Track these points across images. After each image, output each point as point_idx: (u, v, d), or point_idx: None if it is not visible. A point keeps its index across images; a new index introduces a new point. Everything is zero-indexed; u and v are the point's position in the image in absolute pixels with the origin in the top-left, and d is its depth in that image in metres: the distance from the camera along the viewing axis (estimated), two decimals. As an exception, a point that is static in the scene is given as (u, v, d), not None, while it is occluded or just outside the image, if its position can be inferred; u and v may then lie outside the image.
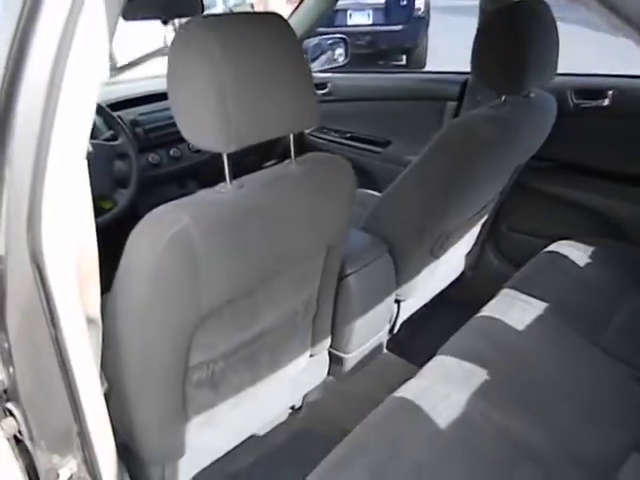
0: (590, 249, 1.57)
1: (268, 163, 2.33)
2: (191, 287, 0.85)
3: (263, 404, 1.24)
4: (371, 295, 1.39)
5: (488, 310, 1.34)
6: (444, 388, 1.08)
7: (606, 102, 1.63)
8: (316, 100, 0.93)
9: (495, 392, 1.08)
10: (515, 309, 1.33)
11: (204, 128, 0.82)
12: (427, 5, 6.47)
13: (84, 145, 0.71)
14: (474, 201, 1.47)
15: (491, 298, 1.51)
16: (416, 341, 1.72)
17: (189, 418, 1.05)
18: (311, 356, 1.32)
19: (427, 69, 2.18)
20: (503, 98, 1.33)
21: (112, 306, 0.91)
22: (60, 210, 0.71)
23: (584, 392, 1.12)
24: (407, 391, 1.08)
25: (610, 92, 1.62)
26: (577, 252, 1.56)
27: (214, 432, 1.14)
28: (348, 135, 2.22)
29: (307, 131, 2.30)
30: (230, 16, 0.86)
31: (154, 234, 0.82)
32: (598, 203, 1.69)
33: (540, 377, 1.14)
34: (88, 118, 0.70)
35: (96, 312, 0.84)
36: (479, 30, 1.29)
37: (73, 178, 0.71)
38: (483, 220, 1.71)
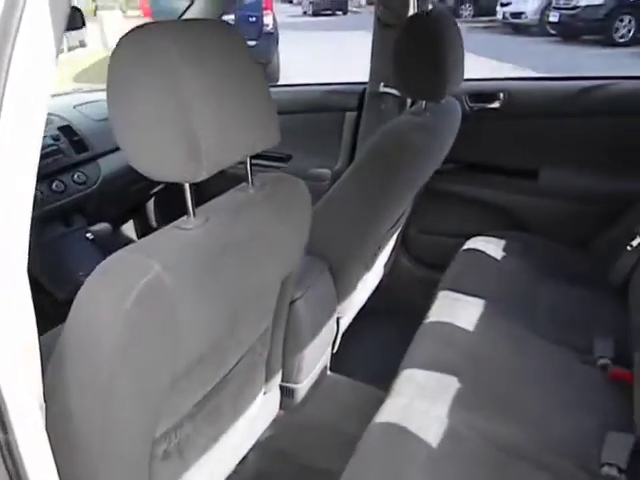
0: (501, 242, 1.66)
1: (156, 189, 2.16)
2: (167, 345, 0.72)
3: (226, 457, 1.11)
4: (318, 318, 1.32)
5: (434, 315, 1.34)
6: (422, 404, 1.06)
7: (497, 104, 1.74)
8: (276, 117, 0.84)
9: (470, 398, 1.08)
10: (458, 310, 1.35)
11: (166, 154, 0.70)
12: (275, 21, 6.58)
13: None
14: (400, 208, 1.48)
15: (410, 302, 1.53)
16: (354, 356, 1.69)
17: None
18: (264, 394, 1.22)
19: (324, 81, 2.14)
20: (424, 105, 1.35)
21: (58, 380, 0.74)
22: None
23: (546, 382, 1.16)
24: (389, 414, 1.04)
25: (501, 94, 1.73)
26: (491, 246, 1.64)
27: None
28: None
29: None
30: (183, 22, 0.74)
31: (118, 288, 0.68)
32: (499, 198, 1.80)
33: (504, 375, 1.16)
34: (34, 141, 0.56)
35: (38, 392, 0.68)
36: (397, 41, 1.29)
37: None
38: (401, 227, 1.73)
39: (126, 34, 0.69)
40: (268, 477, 1.36)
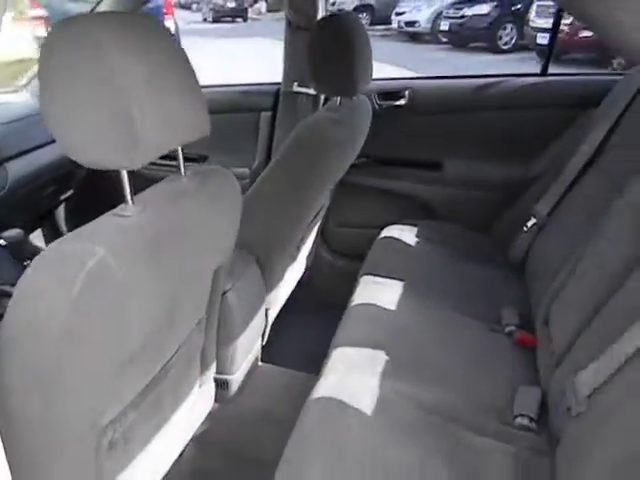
0: (414, 229, 1.78)
1: (66, 194, 2.09)
2: (114, 330, 0.73)
3: (168, 450, 1.11)
4: (248, 309, 1.35)
5: (358, 298, 1.42)
6: (354, 378, 1.13)
7: (403, 102, 1.86)
8: (206, 108, 0.87)
9: (398, 369, 1.16)
10: (379, 292, 1.44)
11: (103, 142, 0.71)
12: (177, 26, 6.49)
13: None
14: (320, 201, 1.54)
15: (333, 293, 1.60)
16: (283, 347, 1.73)
17: None
18: (200, 386, 1.23)
19: (238, 82, 2.16)
20: (338, 101, 1.43)
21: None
22: None
23: (462, 349, 1.27)
24: (323, 390, 1.09)
25: (406, 92, 1.85)
26: (405, 234, 1.75)
27: None
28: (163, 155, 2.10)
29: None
30: (114, 14, 0.76)
31: (64, 275, 0.68)
32: (409, 189, 1.93)
33: (426, 345, 1.25)
34: None
35: None
36: (311, 42, 1.36)
37: None
38: (321, 220, 1.80)
39: (57, 24, 0.69)
40: (206, 472, 1.37)
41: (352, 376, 1.13)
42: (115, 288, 0.70)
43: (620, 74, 1.74)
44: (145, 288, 0.76)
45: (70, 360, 0.71)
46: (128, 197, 0.78)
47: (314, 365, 1.25)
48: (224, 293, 1.26)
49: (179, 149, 0.89)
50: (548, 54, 1.88)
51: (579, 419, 0.94)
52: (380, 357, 1.18)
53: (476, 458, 1.00)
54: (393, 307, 1.36)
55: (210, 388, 1.30)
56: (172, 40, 0.82)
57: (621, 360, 0.89)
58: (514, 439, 1.05)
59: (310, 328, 1.81)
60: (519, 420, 1.08)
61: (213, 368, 1.26)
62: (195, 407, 1.22)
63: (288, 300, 1.81)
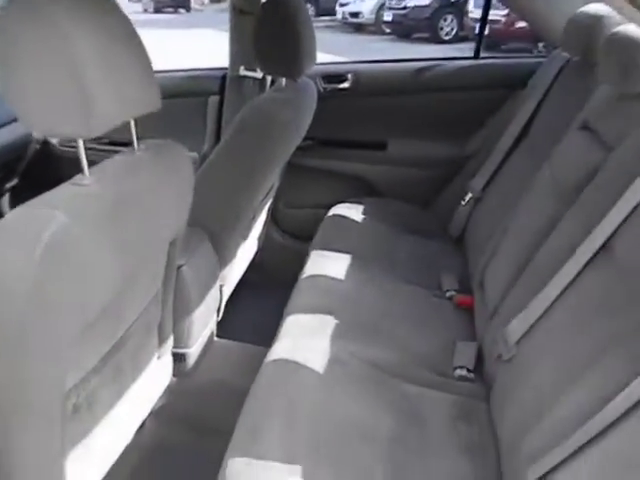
0: (360, 207, 1.86)
1: (12, 182, 2.05)
2: (76, 294, 0.76)
3: (128, 419, 1.15)
4: (202, 284, 1.39)
5: (308, 271, 1.49)
6: (307, 341, 1.20)
7: (347, 84, 1.94)
8: (157, 83, 0.91)
9: (348, 332, 1.24)
10: (329, 265, 1.51)
11: (60, 111, 0.74)
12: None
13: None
14: (268, 181, 1.60)
15: (284, 273, 1.66)
16: (237, 323, 1.78)
17: (66, 455, 0.93)
18: (158, 358, 1.27)
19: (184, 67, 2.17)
20: (284, 83, 1.48)
21: None
22: None
23: (406, 313, 1.36)
24: (278, 354, 1.15)
25: (349, 76, 1.93)
26: (352, 211, 1.84)
27: (84, 467, 1.02)
28: (106, 140, 2.10)
29: (54, 141, 2.09)
30: None
31: (24, 240, 0.71)
32: (355, 169, 2.01)
33: (373, 311, 1.34)
34: None
35: None
36: (256, 25, 1.40)
37: None
38: (270, 200, 1.85)
39: None
40: (166, 444, 1.42)
41: (304, 340, 1.20)
42: (76, 252, 0.74)
43: (544, 57, 1.88)
44: (105, 253, 0.80)
45: (34, 324, 0.74)
46: (85, 167, 0.82)
47: (268, 339, 1.31)
48: (179, 268, 1.30)
49: (132, 122, 0.93)
50: (479, 38, 2.00)
51: (509, 364, 1.04)
52: (330, 322, 1.26)
53: (418, 406, 1.09)
54: (342, 277, 1.44)
55: (168, 361, 1.34)
56: (124, 15, 0.85)
57: (544, 307, 1.00)
58: (453, 389, 1.15)
59: (263, 306, 1.86)
60: (458, 372, 1.18)
61: (170, 341, 1.30)
62: (154, 379, 1.26)
63: (241, 280, 1.86)
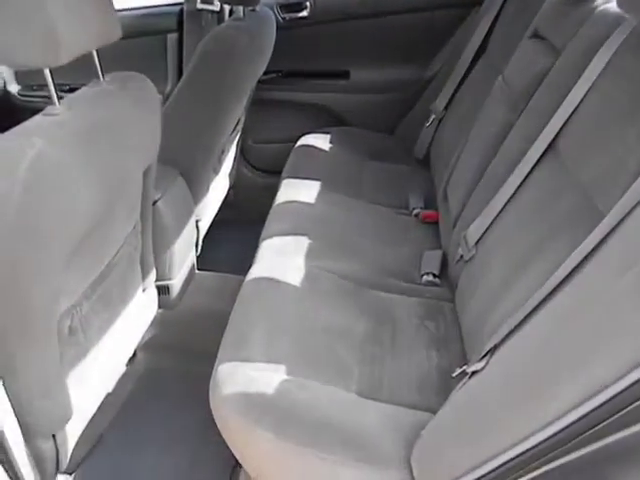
0: (327, 137, 1.90)
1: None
2: (62, 219, 0.80)
3: (118, 349, 1.22)
4: (179, 218, 1.44)
5: (281, 198, 1.54)
6: (282, 260, 1.27)
7: (305, 13, 1.93)
8: (116, 15, 0.93)
9: (320, 250, 1.31)
10: (300, 191, 1.57)
11: (26, 41, 0.76)
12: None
13: None
14: (235, 113, 1.62)
15: (257, 208, 1.70)
16: (215, 258, 1.84)
17: (66, 376, 1.00)
18: (144, 291, 1.33)
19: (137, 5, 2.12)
20: (242, 12, 1.48)
21: None
22: None
23: (375, 231, 1.44)
24: (256, 273, 1.22)
25: (307, 3, 1.92)
26: (319, 141, 1.87)
27: (83, 392, 1.10)
28: (67, 88, 2.07)
29: (14, 90, 2.06)
30: None
31: (5, 167, 0.75)
32: (319, 100, 2.03)
33: (344, 230, 1.41)
34: None
35: None
36: None
37: None
38: (238, 137, 1.88)
39: None
40: (159, 370, 1.50)
41: (280, 259, 1.27)
42: (56, 175, 0.78)
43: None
44: (83, 177, 0.84)
45: (22, 249, 0.78)
46: (54, 97, 0.84)
47: (246, 270, 1.34)
48: (154, 203, 1.34)
49: (94, 53, 0.95)
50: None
51: (470, 264, 1.13)
52: (304, 242, 1.32)
53: (389, 309, 1.18)
54: (312, 202, 1.50)
55: (153, 293, 1.40)
56: None
57: (498, 208, 1.08)
58: (421, 293, 1.24)
59: (240, 240, 1.91)
60: (425, 277, 1.27)
61: (153, 274, 1.35)
62: (142, 311, 1.33)
63: (216, 218, 1.90)
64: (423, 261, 1.31)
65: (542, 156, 1.00)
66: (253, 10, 1.56)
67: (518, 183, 1.03)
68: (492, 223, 1.08)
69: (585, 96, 0.94)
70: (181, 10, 1.94)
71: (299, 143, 1.86)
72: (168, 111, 1.45)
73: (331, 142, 1.88)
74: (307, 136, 1.89)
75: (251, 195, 2.16)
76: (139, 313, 1.30)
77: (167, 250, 1.40)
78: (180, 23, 1.95)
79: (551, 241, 0.89)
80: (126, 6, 2.04)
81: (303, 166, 1.72)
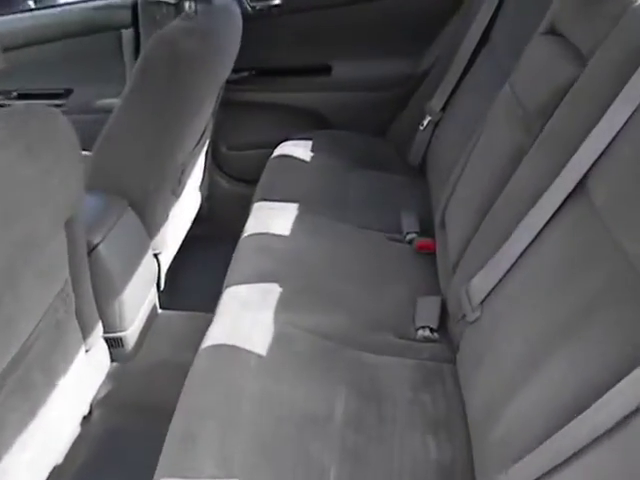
0: (309, 143, 1.67)
1: None
2: None
3: (53, 430, 1.02)
4: (129, 259, 1.23)
5: (250, 228, 1.32)
6: (248, 317, 1.05)
7: (277, 0, 1.67)
8: None
9: (292, 299, 1.10)
10: (274, 218, 1.34)
11: None
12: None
13: None
14: (195, 125, 1.39)
15: (234, 222, 1.50)
16: (184, 288, 1.63)
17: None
18: (87, 351, 1.12)
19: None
20: (194, 7, 1.24)
21: None
22: None
23: (360, 266, 1.22)
24: (216, 335, 1.02)
25: (279, -11, 1.66)
26: (299, 149, 1.64)
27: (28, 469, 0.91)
28: (14, 94, 1.83)
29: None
30: None
31: None
32: (299, 100, 1.79)
33: (321, 269, 1.19)
34: None
35: None
36: None
37: None
38: (206, 146, 1.65)
39: None
40: (116, 430, 1.31)
41: (245, 314, 1.06)
42: None
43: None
44: None
45: None
46: None
47: (217, 302, 1.17)
48: (94, 247, 1.13)
49: None
50: None
51: (475, 326, 0.91)
52: (273, 290, 1.11)
53: (376, 379, 0.96)
54: (287, 233, 1.28)
55: (101, 350, 1.20)
56: None
57: (509, 262, 0.85)
58: (416, 352, 1.02)
59: (214, 263, 1.71)
60: (421, 332, 1.05)
61: (99, 329, 1.15)
62: (87, 374, 1.13)
63: (188, 236, 1.69)
64: (418, 310, 1.09)
65: (567, 199, 0.77)
66: (208, 2, 1.32)
67: (534, 233, 0.80)
68: (502, 279, 0.85)
69: (628, 121, 0.70)
70: (136, 3, 1.69)
71: (276, 153, 1.62)
72: (110, 129, 1.22)
73: (313, 149, 1.64)
74: (285, 144, 1.65)
75: (229, 207, 1.94)
76: (84, 377, 1.10)
77: (115, 299, 1.19)
78: (135, 17, 1.70)
79: (584, 320, 0.67)
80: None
81: (279, 183, 1.49)
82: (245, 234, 1.30)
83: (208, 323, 1.12)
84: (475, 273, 0.93)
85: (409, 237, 1.32)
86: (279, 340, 1.00)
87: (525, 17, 1.25)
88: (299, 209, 1.37)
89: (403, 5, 1.65)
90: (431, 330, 1.05)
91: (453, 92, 1.51)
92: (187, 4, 1.59)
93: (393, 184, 1.56)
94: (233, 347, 0.98)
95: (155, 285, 1.42)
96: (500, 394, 0.75)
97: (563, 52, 0.92)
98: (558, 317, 0.71)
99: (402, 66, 1.71)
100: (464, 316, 0.94)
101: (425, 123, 1.57)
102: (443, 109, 1.53)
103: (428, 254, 1.26)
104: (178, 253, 1.60)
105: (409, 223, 1.36)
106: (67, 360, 1.03)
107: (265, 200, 1.42)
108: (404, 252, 1.28)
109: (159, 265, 1.42)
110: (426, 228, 1.34)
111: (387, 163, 1.65)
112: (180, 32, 1.18)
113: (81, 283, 1.04)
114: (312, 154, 1.63)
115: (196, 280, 1.71)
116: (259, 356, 0.97)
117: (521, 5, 1.31)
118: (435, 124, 1.56)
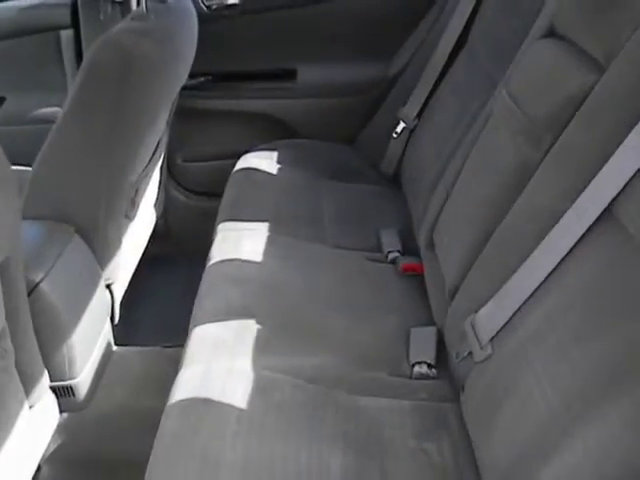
0: (274, 154, 1.55)
1: None
2: None
3: None
4: (76, 295, 1.07)
5: (217, 254, 1.18)
6: (222, 364, 0.92)
7: (233, 0, 1.54)
8: None
9: (271, 339, 0.97)
10: (242, 241, 1.22)
11: None
12: None
13: None
14: (149, 138, 1.24)
15: (195, 239, 1.37)
16: (143, 320, 1.48)
17: None
18: (31, 407, 0.96)
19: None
20: (145, 6, 1.09)
21: None
22: None
23: (343, 294, 1.10)
24: (187, 386, 0.87)
25: (237, -14, 1.53)
26: (264, 161, 1.52)
27: None
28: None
29: None
30: None
31: None
32: (262, 107, 1.67)
33: (300, 300, 1.06)
34: None
35: None
36: None
37: None
38: (161, 160, 1.49)
39: None
40: None
41: (219, 361, 0.92)
42: None
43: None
44: None
45: None
46: None
47: (181, 334, 1.04)
48: (36, 286, 0.96)
49: None
50: None
51: (484, 366, 0.81)
52: (248, 328, 0.97)
53: (374, 426, 0.85)
54: (258, 259, 1.14)
55: (47, 403, 1.03)
56: None
57: (525, 294, 0.75)
58: (412, 391, 0.91)
59: (172, 288, 1.56)
60: (417, 369, 0.94)
61: (45, 380, 0.99)
62: (31, 431, 0.96)
63: (144, 257, 1.53)
64: (412, 343, 0.98)
65: (594, 223, 0.67)
66: (161, 1, 1.17)
67: (557, 260, 0.70)
68: (515, 316, 0.75)
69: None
70: (75, 0, 1.52)
71: (238, 166, 1.49)
72: (50, 149, 1.06)
73: (279, 161, 1.52)
74: (248, 156, 1.52)
75: (187, 223, 1.80)
76: (27, 435, 0.94)
77: (63, 344, 1.03)
78: (75, 17, 1.53)
79: (633, 372, 0.57)
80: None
81: (244, 201, 1.36)
82: (211, 261, 1.16)
83: (169, 360, 0.99)
84: (481, 303, 0.83)
85: (391, 256, 1.21)
86: (259, 389, 0.87)
87: (507, 19, 1.17)
88: (270, 229, 1.25)
89: (372, 4, 1.55)
90: (428, 366, 0.94)
91: (429, 96, 1.41)
92: (135, 2, 1.45)
93: (367, 195, 1.46)
94: (207, 401, 0.84)
95: (109, 319, 1.25)
96: (531, 455, 0.65)
97: (571, 58, 0.83)
98: (600, 367, 0.61)
99: (372, 70, 1.61)
100: (470, 353, 0.83)
101: (399, 130, 1.47)
102: (418, 116, 1.44)
103: (414, 276, 1.16)
104: (132, 277, 1.44)
105: (389, 241, 1.25)
106: (8, 422, 0.87)
107: (230, 220, 1.29)
108: (388, 274, 1.17)
109: (112, 297, 1.26)
110: (409, 246, 1.24)
111: (358, 173, 1.55)
112: (131, 34, 1.03)
113: (21, 332, 0.89)
114: (278, 166, 1.50)
115: (154, 308, 1.55)
116: (238, 411, 0.83)
117: (501, 6, 1.23)
118: (410, 131, 1.46)
